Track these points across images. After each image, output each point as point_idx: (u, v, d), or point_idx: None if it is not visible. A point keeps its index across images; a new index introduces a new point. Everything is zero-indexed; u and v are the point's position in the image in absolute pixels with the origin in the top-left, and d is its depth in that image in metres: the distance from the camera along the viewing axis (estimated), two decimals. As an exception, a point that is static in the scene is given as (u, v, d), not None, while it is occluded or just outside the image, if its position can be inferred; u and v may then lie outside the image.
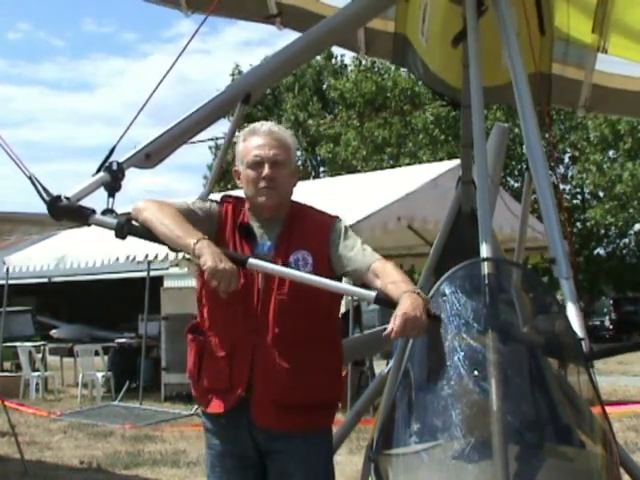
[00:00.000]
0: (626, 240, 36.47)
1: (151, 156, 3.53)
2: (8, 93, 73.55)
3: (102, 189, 3.24)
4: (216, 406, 3.19)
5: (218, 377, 3.17)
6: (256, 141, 3.24)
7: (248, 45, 70.62)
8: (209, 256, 2.84)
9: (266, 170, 3.19)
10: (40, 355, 17.05)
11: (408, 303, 2.83)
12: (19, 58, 75.96)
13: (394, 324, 2.79)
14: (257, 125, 3.32)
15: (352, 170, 31.72)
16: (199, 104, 3.69)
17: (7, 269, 16.85)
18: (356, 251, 3.16)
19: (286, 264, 3.13)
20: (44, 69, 73.27)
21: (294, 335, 3.11)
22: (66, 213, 3.12)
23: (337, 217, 3.32)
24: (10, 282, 16.63)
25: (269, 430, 3.14)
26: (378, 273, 3.05)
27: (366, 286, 3.10)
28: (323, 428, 3.27)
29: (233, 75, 40.85)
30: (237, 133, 3.48)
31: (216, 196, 3.56)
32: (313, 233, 3.22)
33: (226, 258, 2.87)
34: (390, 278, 3.01)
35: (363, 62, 35.53)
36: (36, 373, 16.23)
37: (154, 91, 3.50)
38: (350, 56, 37.10)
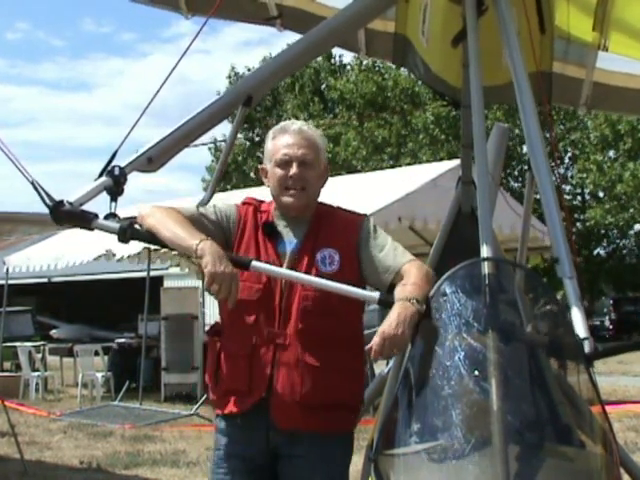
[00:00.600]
0: (626, 240, 36.51)
1: (153, 160, 3.52)
2: (7, 93, 73.76)
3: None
4: (234, 407, 3.11)
5: (237, 378, 3.09)
6: (285, 140, 3.20)
7: (248, 45, 70.77)
8: (209, 257, 2.82)
9: (294, 169, 3.16)
10: (40, 355, 17.06)
11: (393, 318, 2.80)
12: (18, 58, 76.15)
13: (373, 343, 2.78)
14: (288, 124, 3.29)
15: (352, 170, 31.72)
16: (200, 107, 3.68)
17: (7, 269, 16.87)
18: (387, 251, 3.12)
19: (312, 262, 3.10)
20: (43, 69, 73.45)
21: (318, 332, 3.06)
22: (69, 218, 3.12)
23: (366, 215, 3.28)
24: (10, 282, 16.63)
25: (289, 431, 3.06)
26: (403, 274, 3.03)
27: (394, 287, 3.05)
28: (344, 433, 3.20)
29: (230, 77, 40.90)
30: (239, 135, 3.48)
31: (220, 196, 3.55)
32: (341, 232, 3.18)
33: (228, 261, 2.84)
34: (405, 279, 2.99)
35: (364, 62, 35.55)
36: (36, 373, 16.24)
37: (156, 94, 3.50)
38: (350, 56, 37.14)
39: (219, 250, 2.87)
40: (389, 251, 3.12)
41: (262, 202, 3.31)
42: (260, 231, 3.20)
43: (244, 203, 3.30)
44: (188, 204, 3.30)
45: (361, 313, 3.26)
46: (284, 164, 3.18)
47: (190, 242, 2.89)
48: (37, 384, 15.95)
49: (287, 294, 3.08)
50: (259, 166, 3.35)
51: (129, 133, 3.39)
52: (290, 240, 3.18)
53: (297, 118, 36.97)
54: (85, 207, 3.14)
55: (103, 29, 71.87)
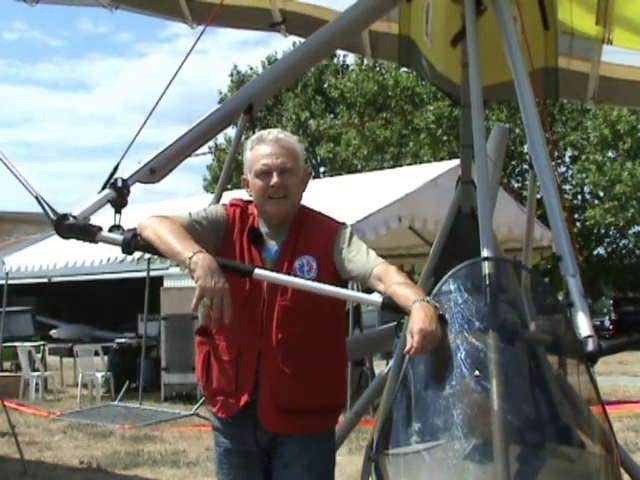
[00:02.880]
0: (626, 240, 36.50)
1: (156, 171, 3.55)
2: (5, 93, 73.80)
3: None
4: (223, 409, 3.22)
5: (225, 380, 3.19)
6: (263, 150, 3.22)
7: (245, 45, 70.75)
8: (201, 271, 2.82)
9: (275, 179, 3.18)
10: (40, 355, 17.04)
11: (422, 316, 2.76)
12: (16, 58, 76.16)
13: (413, 341, 2.72)
14: (264, 133, 3.30)
15: (352, 170, 31.73)
16: (201, 117, 3.69)
17: (7, 269, 16.87)
18: (360, 256, 3.14)
19: (291, 269, 3.13)
20: (41, 69, 73.51)
21: (298, 340, 3.11)
22: (73, 231, 3.14)
23: (344, 223, 3.31)
24: (10, 282, 16.65)
25: (274, 433, 3.17)
26: (381, 277, 3.02)
27: (371, 291, 3.09)
28: (326, 429, 3.29)
29: (232, 75, 41.01)
30: (242, 140, 3.48)
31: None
32: (318, 238, 3.21)
33: (220, 275, 2.84)
34: (393, 280, 2.98)
35: (365, 61, 35.54)
36: (36, 373, 16.23)
37: (159, 100, 3.60)
38: (352, 55, 37.14)
39: (212, 264, 2.86)
40: (362, 256, 3.14)
41: (249, 203, 3.33)
42: (245, 236, 3.23)
43: (232, 205, 3.32)
44: (182, 210, 3.29)
45: (342, 315, 3.33)
46: (264, 174, 3.20)
47: (184, 256, 2.89)
48: (37, 384, 15.93)
49: (268, 303, 3.13)
50: (242, 177, 3.36)
51: (131, 143, 3.47)
52: (272, 247, 3.22)
53: (298, 117, 37.04)
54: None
55: (100, 29, 71.95)
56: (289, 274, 3.12)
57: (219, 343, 3.20)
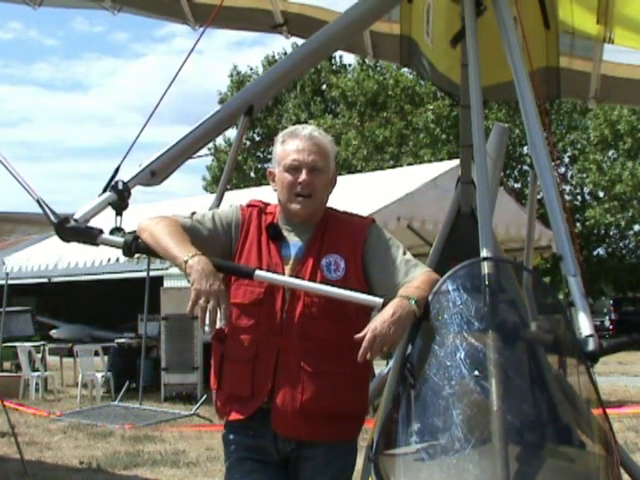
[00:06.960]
0: (626, 240, 36.50)
1: (156, 173, 3.54)
2: (2, 93, 73.91)
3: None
4: (238, 414, 3.07)
5: (240, 383, 3.05)
6: (295, 145, 3.14)
7: (242, 45, 70.74)
8: (196, 275, 2.80)
9: (303, 176, 3.10)
10: (40, 355, 17.06)
11: (387, 315, 2.80)
12: (12, 58, 76.24)
13: (364, 339, 2.78)
14: (298, 128, 3.23)
15: (352, 170, 31.72)
16: (202, 119, 3.69)
17: (7, 269, 16.88)
18: (398, 265, 3.06)
19: (317, 267, 3.05)
20: (37, 69, 73.59)
21: (321, 340, 3.00)
22: (74, 234, 3.15)
23: (373, 220, 3.24)
24: (10, 282, 16.67)
25: (293, 439, 3.04)
26: (411, 280, 3.00)
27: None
28: (348, 440, 3.16)
29: (232, 75, 41.06)
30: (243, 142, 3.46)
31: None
32: (347, 237, 3.12)
33: (215, 277, 2.82)
34: (409, 283, 2.97)
35: (367, 60, 35.56)
36: (36, 373, 16.24)
37: (158, 104, 3.60)
38: (351, 56, 37.14)
39: (206, 266, 2.84)
40: (400, 265, 3.07)
41: (268, 204, 3.27)
42: (264, 233, 3.15)
43: (249, 205, 3.25)
44: (182, 211, 3.26)
45: (368, 316, 3.12)
46: (293, 170, 3.12)
47: (180, 260, 2.87)
48: (37, 384, 15.94)
49: (290, 299, 3.03)
50: (267, 169, 3.30)
51: (132, 146, 3.47)
52: (295, 244, 3.13)
53: (298, 118, 37.03)
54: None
55: (96, 29, 71.98)
56: (314, 272, 3.05)
57: (235, 344, 3.07)
